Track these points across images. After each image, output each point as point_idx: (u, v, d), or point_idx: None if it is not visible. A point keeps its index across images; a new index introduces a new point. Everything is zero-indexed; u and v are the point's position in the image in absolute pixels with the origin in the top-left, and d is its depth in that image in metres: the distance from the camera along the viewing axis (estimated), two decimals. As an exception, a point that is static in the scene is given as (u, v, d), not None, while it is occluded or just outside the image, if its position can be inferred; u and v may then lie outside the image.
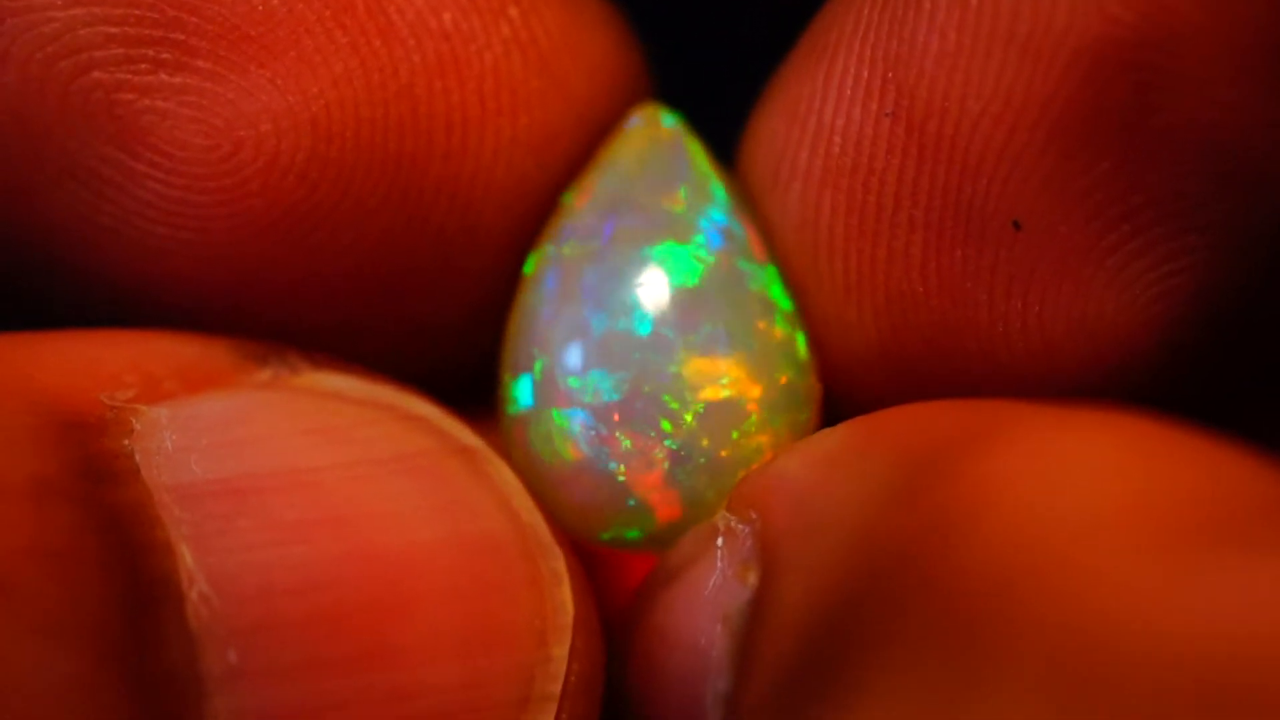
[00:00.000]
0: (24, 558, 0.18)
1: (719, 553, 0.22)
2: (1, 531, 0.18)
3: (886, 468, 0.20)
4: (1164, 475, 0.17)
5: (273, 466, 0.21)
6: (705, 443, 0.23)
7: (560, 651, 0.21)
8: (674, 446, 0.23)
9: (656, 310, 0.23)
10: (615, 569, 0.24)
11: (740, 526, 0.22)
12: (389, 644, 0.20)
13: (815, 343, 0.24)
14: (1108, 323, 0.22)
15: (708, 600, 0.22)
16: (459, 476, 0.22)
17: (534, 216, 0.25)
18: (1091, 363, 0.23)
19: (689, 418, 0.23)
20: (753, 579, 0.21)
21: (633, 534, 0.23)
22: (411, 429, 0.22)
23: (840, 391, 0.24)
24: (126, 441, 0.20)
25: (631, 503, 0.23)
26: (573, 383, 0.23)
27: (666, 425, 0.23)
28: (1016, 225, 0.22)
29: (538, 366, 0.23)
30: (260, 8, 0.22)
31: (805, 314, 0.24)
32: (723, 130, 0.25)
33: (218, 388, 0.22)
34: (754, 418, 0.23)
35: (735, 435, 0.23)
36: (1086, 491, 0.17)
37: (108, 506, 0.19)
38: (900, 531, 0.18)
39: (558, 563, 0.22)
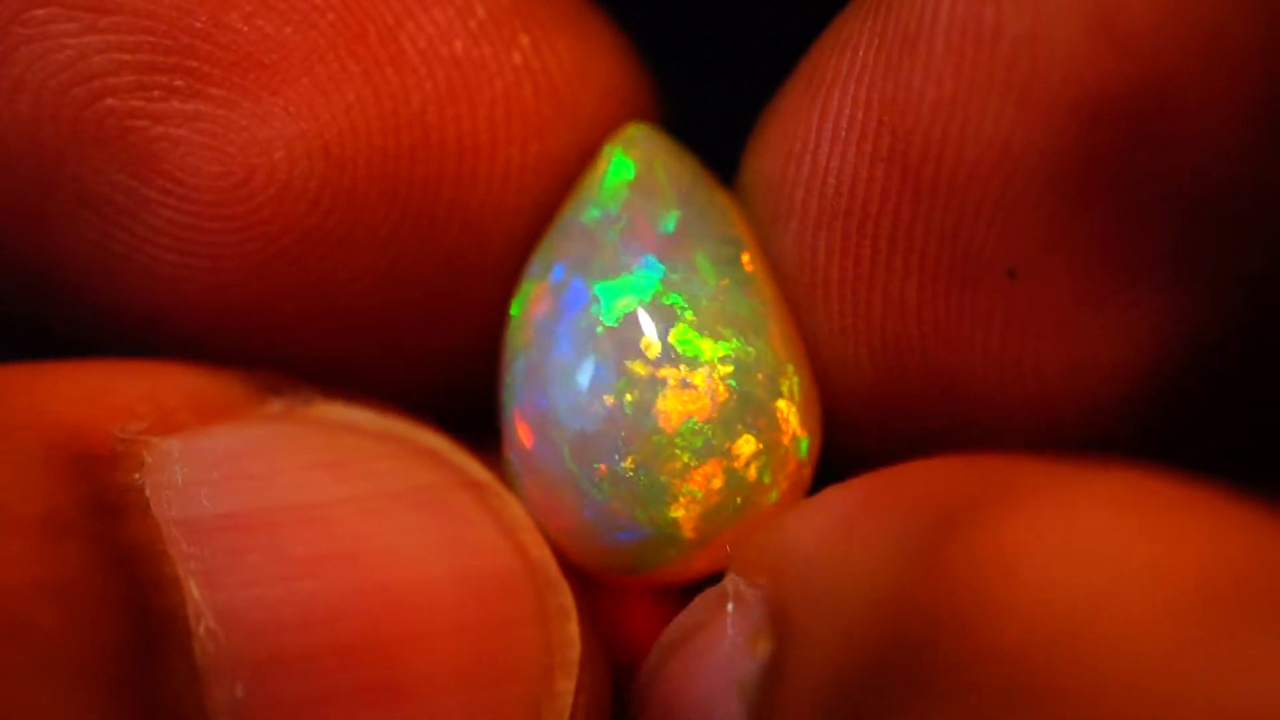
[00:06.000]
0: (32, 594, 0.18)
1: (729, 619, 0.22)
2: (11, 567, 0.19)
3: (898, 535, 0.19)
4: (1179, 540, 0.17)
5: (282, 501, 0.21)
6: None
7: (566, 686, 0.21)
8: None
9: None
10: (621, 604, 0.25)
11: (749, 590, 0.21)
12: (396, 679, 0.20)
13: (816, 379, 0.24)
14: (1104, 369, 0.22)
15: (720, 667, 0.21)
16: (468, 511, 0.22)
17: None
18: (1087, 407, 0.23)
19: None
20: (764, 647, 0.21)
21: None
22: (422, 463, 0.22)
23: (838, 430, 0.24)
24: (137, 475, 0.20)
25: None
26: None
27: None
28: (1011, 274, 0.22)
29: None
30: (273, 35, 0.22)
31: (807, 350, 0.24)
32: (729, 142, 0.25)
33: (230, 419, 0.22)
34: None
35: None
36: (1104, 558, 0.17)
37: (117, 542, 0.20)
38: (919, 604, 0.18)
39: (565, 598, 0.22)
